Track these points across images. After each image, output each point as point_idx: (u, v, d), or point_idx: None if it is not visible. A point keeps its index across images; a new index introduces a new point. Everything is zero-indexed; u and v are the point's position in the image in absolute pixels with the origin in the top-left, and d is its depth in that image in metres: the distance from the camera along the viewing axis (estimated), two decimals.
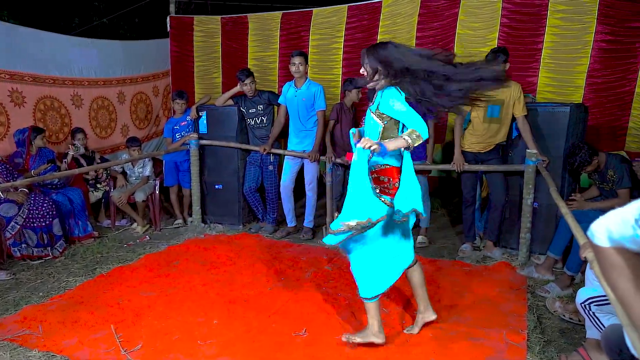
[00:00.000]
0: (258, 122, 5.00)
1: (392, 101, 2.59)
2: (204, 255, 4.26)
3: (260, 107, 4.95)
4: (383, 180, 2.69)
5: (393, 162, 2.67)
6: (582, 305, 2.43)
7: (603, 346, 2.06)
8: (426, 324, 2.95)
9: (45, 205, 4.34)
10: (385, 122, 2.66)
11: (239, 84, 4.89)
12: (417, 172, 4.46)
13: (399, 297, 3.40)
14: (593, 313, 2.38)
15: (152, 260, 4.18)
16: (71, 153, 5.01)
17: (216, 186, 5.29)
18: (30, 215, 4.23)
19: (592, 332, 2.49)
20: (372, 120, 2.71)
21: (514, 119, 4.05)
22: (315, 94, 4.61)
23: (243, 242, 4.69)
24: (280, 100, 4.81)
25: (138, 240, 4.86)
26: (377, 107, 2.68)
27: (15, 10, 6.92)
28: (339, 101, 5.23)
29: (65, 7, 7.69)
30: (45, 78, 5.33)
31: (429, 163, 4.57)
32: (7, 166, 4.39)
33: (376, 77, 2.64)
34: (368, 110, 2.78)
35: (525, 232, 4.02)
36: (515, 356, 2.64)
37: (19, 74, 5.00)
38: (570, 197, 3.84)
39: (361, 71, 2.71)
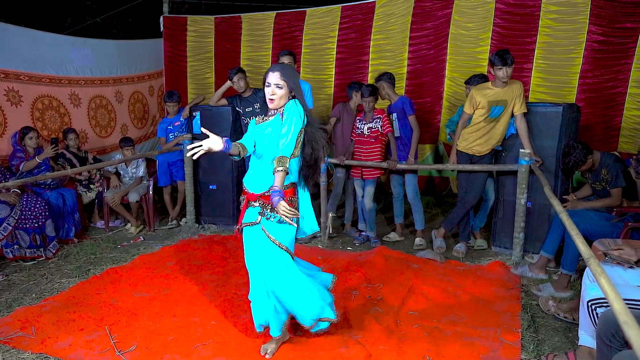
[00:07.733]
0: None
1: (292, 119, 2.50)
2: (198, 256, 4.24)
3: (257, 104, 4.92)
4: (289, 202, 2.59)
5: (292, 180, 2.61)
6: (589, 303, 2.29)
7: (599, 325, 2.04)
8: (421, 324, 2.98)
9: (38, 206, 4.31)
10: None
11: (229, 80, 4.87)
12: (407, 171, 4.55)
13: (393, 296, 3.41)
14: (596, 314, 2.25)
15: (146, 261, 4.16)
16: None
17: (210, 186, 5.27)
18: (22, 217, 4.20)
19: (585, 340, 2.44)
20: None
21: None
22: (304, 92, 4.59)
23: (237, 242, 4.65)
24: None
25: (132, 241, 4.83)
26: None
27: (6, 9, 6.86)
28: (332, 101, 5.23)
29: (57, 7, 7.64)
30: (41, 77, 5.28)
31: (412, 161, 4.53)
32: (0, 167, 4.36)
33: (287, 97, 2.59)
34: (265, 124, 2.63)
35: (518, 231, 4.04)
36: (510, 355, 2.66)
37: (14, 72, 4.95)
38: (564, 197, 3.86)
39: (272, 93, 2.55)
